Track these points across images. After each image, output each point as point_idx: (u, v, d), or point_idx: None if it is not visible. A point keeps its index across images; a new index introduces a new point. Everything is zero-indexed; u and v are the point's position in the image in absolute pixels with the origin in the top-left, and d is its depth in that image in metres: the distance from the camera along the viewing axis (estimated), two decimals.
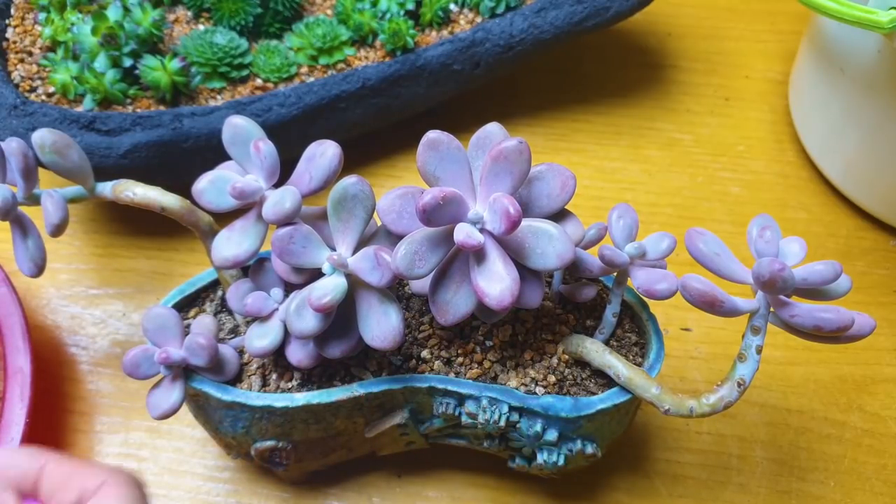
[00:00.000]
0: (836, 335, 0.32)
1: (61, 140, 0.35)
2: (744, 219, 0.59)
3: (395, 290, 0.42)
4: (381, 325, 0.35)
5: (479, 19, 0.59)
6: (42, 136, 0.35)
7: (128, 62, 0.52)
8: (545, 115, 0.68)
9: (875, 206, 0.59)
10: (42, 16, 0.55)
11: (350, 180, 0.34)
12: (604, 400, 0.38)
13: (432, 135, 0.33)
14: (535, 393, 0.39)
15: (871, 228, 0.60)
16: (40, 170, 0.37)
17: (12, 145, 0.35)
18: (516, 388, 0.39)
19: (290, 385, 0.40)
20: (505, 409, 0.38)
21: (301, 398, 0.38)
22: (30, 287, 0.55)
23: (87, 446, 0.49)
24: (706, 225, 0.58)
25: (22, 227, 0.37)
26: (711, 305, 0.32)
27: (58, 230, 0.36)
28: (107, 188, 0.38)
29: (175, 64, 0.52)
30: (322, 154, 0.36)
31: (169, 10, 0.58)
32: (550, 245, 0.33)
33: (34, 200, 0.37)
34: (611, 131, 0.67)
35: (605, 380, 0.40)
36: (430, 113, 0.62)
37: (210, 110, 0.53)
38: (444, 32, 0.59)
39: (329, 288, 0.34)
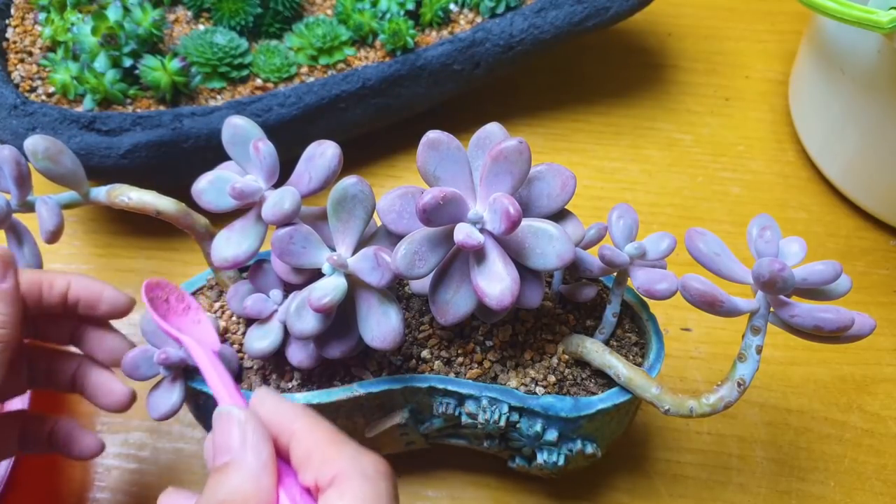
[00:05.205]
0: (836, 335, 0.32)
1: (54, 146, 0.35)
2: (744, 219, 0.59)
3: (395, 290, 0.42)
4: (381, 326, 0.35)
5: (479, 19, 0.59)
6: (34, 143, 0.34)
7: (128, 62, 0.52)
8: (545, 115, 0.68)
9: (875, 206, 0.59)
10: (42, 16, 0.55)
11: (350, 180, 0.34)
12: (604, 400, 0.38)
13: (432, 135, 0.33)
14: (535, 393, 0.39)
15: (871, 228, 0.60)
16: (34, 175, 0.37)
17: (4, 153, 0.34)
18: (516, 388, 0.39)
19: (290, 385, 0.40)
20: (505, 409, 0.38)
21: (301, 398, 0.38)
22: None
23: None
24: (706, 225, 0.58)
25: (17, 234, 0.37)
26: (711, 305, 0.32)
27: (53, 237, 0.35)
28: (101, 193, 0.38)
29: (175, 64, 0.52)
30: (321, 154, 0.36)
31: (169, 10, 0.58)
32: (550, 245, 0.32)
33: (29, 207, 0.36)
34: (611, 131, 0.67)
35: (605, 380, 0.40)
36: (430, 113, 0.62)
37: (210, 110, 0.53)
38: (444, 32, 0.59)
39: (329, 288, 0.34)
